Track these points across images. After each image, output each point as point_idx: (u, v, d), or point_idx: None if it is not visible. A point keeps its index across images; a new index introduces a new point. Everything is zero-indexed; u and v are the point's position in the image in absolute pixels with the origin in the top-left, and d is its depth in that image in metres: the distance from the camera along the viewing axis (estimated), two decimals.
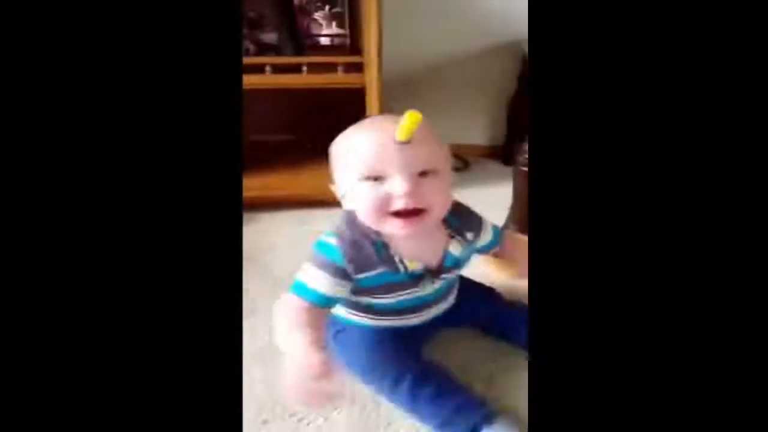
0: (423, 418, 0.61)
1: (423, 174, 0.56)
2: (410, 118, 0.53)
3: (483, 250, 0.75)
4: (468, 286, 0.78)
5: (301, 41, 1.23)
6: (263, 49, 1.15)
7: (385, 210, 0.56)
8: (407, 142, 0.54)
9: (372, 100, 1.08)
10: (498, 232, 0.74)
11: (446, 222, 0.65)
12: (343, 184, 0.60)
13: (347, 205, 0.62)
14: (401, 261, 0.61)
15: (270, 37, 1.17)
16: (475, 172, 1.46)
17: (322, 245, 0.61)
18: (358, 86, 1.08)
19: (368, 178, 0.56)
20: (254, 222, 1.12)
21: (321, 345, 0.54)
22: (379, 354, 0.65)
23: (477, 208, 1.07)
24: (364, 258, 0.60)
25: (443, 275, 0.66)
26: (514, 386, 0.68)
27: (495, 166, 1.48)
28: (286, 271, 0.82)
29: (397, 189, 0.55)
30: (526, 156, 0.97)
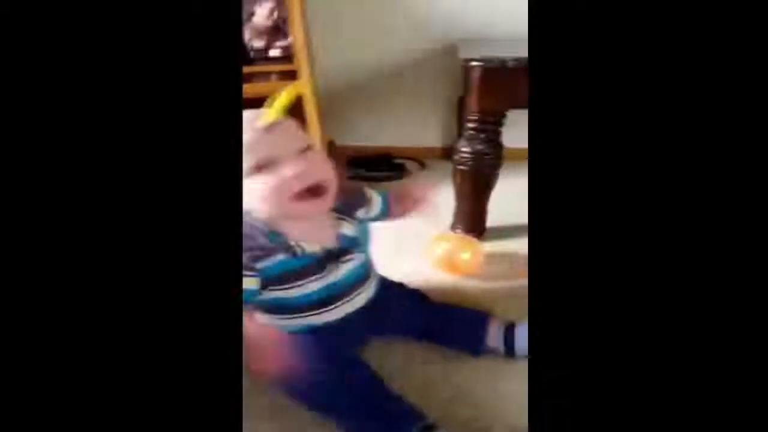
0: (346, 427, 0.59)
1: (305, 150, 0.58)
2: (286, 95, 0.55)
3: (378, 219, 0.75)
4: (396, 292, 0.77)
5: (245, 54, 1.23)
6: None
7: (287, 195, 0.57)
8: (278, 123, 0.56)
9: (309, 106, 1.08)
10: (385, 198, 0.76)
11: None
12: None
13: None
14: (297, 244, 0.61)
15: None
16: (431, 172, 1.45)
17: None
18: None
19: (257, 168, 0.56)
20: None
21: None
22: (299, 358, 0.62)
23: (440, 208, 1.08)
24: (258, 247, 0.59)
25: (346, 256, 0.65)
26: (454, 392, 0.67)
27: (450, 166, 1.47)
28: None
29: (293, 168, 0.56)
30: (461, 155, 0.97)
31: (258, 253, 0.59)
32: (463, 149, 0.96)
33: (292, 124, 0.59)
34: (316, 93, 1.09)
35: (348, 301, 0.67)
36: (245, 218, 0.60)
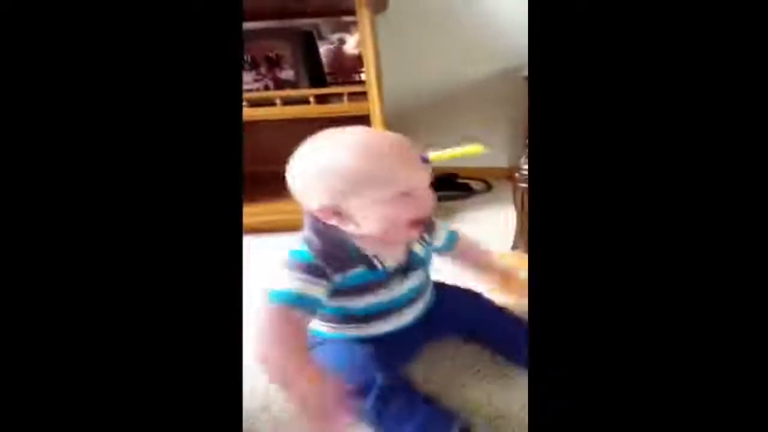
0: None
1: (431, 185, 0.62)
2: (462, 151, 0.60)
3: (442, 251, 0.78)
4: (451, 292, 0.78)
5: (322, 77, 1.32)
6: (281, 85, 1.25)
7: (408, 222, 0.60)
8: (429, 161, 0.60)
9: (376, 127, 1.13)
10: (452, 235, 0.78)
11: None
12: (352, 199, 0.58)
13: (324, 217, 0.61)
14: (377, 258, 0.63)
15: (287, 74, 1.27)
16: (497, 193, 1.45)
17: (293, 252, 0.61)
18: (364, 114, 1.13)
19: (400, 194, 0.57)
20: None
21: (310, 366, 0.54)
22: (346, 366, 0.63)
23: (499, 228, 1.07)
24: (341, 259, 0.61)
25: (412, 272, 0.68)
26: (503, 396, 0.67)
27: None
28: None
29: (428, 202, 0.60)
30: (522, 172, 0.97)
31: (341, 264, 0.61)
32: (524, 167, 0.96)
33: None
34: (384, 115, 1.13)
35: (403, 315, 0.69)
36: (326, 232, 0.61)
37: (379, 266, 0.64)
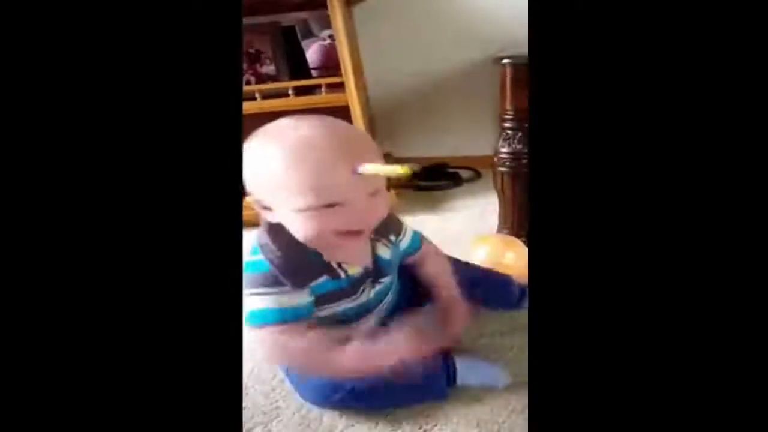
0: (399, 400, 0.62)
1: (373, 194, 0.53)
2: (403, 170, 0.47)
3: (407, 253, 0.71)
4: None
5: (305, 70, 1.33)
6: (262, 80, 1.26)
7: (337, 234, 0.53)
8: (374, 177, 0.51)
9: (356, 117, 1.13)
10: (417, 237, 0.72)
11: None
12: (277, 205, 0.54)
13: (271, 219, 0.56)
14: (339, 266, 0.59)
15: (268, 68, 1.27)
16: (486, 181, 1.44)
17: (249, 265, 0.56)
18: (343, 105, 1.13)
19: (322, 206, 0.50)
20: None
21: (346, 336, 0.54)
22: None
23: (489, 216, 1.05)
24: (303, 269, 0.56)
25: (381, 279, 0.64)
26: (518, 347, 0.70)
27: None
28: None
29: (357, 215, 0.52)
30: (500, 156, 0.96)
31: (303, 276, 0.57)
32: (502, 150, 0.96)
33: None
34: (365, 106, 1.13)
35: (371, 316, 0.66)
36: (283, 236, 0.56)
37: (342, 275, 0.59)
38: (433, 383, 0.64)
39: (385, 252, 0.64)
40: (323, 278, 0.58)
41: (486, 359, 0.70)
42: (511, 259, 0.90)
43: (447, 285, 0.69)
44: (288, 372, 0.68)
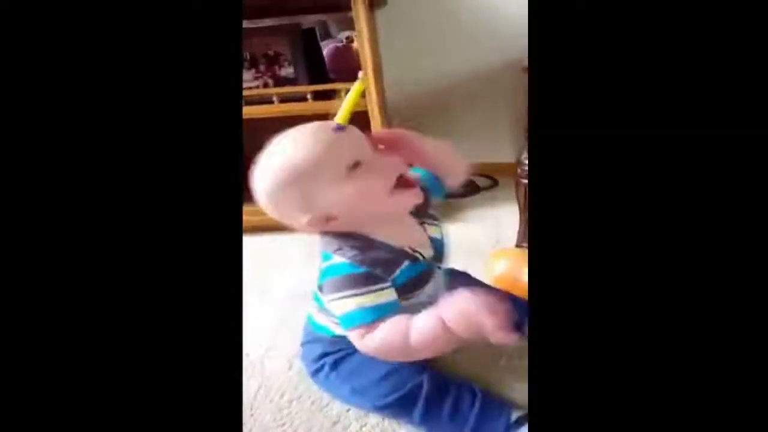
0: None
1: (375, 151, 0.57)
2: (354, 93, 0.54)
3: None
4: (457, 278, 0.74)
5: (323, 75, 1.31)
6: (281, 82, 1.24)
7: (387, 190, 0.55)
8: (349, 126, 0.55)
9: (375, 122, 1.11)
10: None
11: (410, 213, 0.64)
12: (316, 202, 0.55)
13: (328, 227, 0.57)
14: (414, 250, 0.59)
15: (287, 71, 1.25)
16: (504, 189, 1.41)
17: (330, 270, 0.56)
18: (362, 110, 1.11)
19: (354, 167, 0.53)
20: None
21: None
22: (388, 374, 0.61)
23: (506, 227, 1.03)
24: (387, 258, 0.56)
25: (443, 258, 0.65)
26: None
27: None
28: None
29: (379, 164, 0.55)
30: (523, 166, 0.94)
31: (389, 263, 0.56)
32: (525, 161, 0.93)
33: (356, 129, 0.57)
34: (383, 111, 1.11)
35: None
36: (348, 237, 0.57)
37: (420, 257, 0.59)
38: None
39: (437, 232, 0.65)
40: (406, 263, 0.57)
41: None
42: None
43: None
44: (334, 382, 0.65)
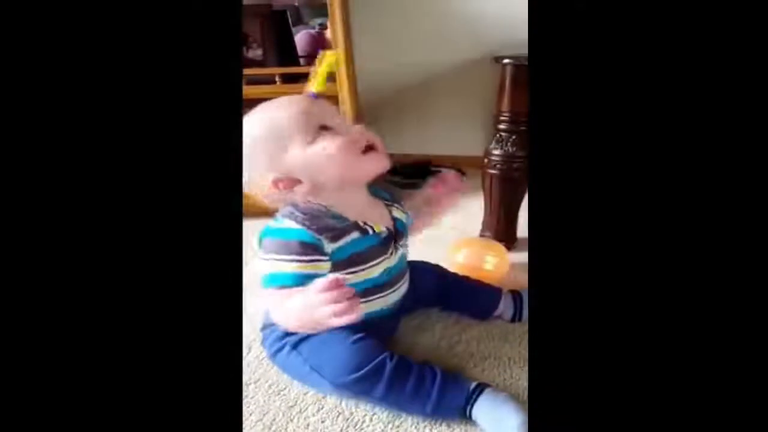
0: (409, 410, 0.59)
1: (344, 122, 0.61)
2: (325, 64, 0.58)
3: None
4: (417, 268, 0.77)
5: (293, 58, 1.28)
6: (249, 64, 1.21)
7: (358, 149, 0.58)
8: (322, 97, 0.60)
9: (346, 107, 1.10)
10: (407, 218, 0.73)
11: (376, 196, 0.67)
12: (285, 160, 0.57)
13: (287, 194, 0.59)
14: (365, 223, 0.61)
15: (255, 53, 1.23)
16: (472, 182, 1.42)
17: (275, 232, 0.58)
18: (332, 95, 1.10)
19: (321, 129, 0.57)
20: None
21: None
22: (351, 352, 0.60)
23: (472, 218, 1.04)
24: (332, 226, 0.58)
25: (401, 241, 0.67)
26: (493, 357, 0.70)
27: None
28: None
29: (357, 126, 0.59)
30: (491, 157, 0.94)
31: (336, 232, 0.58)
32: (493, 152, 0.94)
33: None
34: (354, 97, 1.10)
35: (396, 289, 0.68)
36: (305, 203, 0.60)
37: (370, 231, 0.61)
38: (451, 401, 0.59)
39: (401, 215, 0.68)
40: (355, 234, 0.60)
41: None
42: (492, 264, 0.88)
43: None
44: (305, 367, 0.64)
